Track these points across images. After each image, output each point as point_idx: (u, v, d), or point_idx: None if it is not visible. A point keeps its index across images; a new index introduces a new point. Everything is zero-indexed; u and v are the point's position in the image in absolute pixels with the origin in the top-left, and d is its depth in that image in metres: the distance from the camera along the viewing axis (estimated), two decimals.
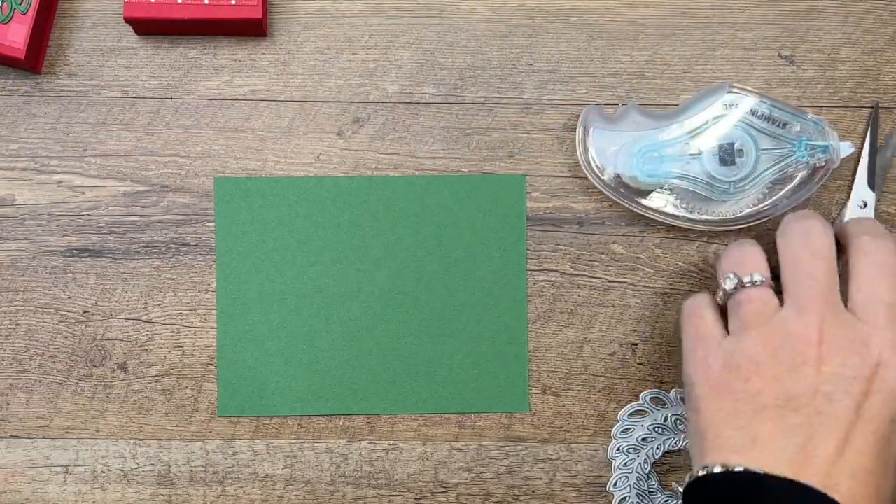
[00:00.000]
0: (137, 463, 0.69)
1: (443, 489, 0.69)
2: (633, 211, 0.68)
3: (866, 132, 0.69)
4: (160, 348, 0.69)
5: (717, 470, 0.56)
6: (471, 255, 0.69)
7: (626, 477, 0.69)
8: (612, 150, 0.66)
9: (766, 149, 0.66)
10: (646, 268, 0.70)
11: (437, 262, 0.69)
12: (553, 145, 0.70)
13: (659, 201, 0.67)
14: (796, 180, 0.67)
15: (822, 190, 0.69)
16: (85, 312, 0.69)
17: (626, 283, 0.70)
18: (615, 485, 0.69)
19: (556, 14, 0.70)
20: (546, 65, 0.70)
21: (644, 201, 0.67)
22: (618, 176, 0.67)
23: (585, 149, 0.67)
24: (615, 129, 0.67)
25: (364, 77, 0.70)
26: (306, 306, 0.69)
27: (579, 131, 0.67)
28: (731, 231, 0.69)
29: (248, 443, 0.69)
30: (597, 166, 0.67)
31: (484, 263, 0.69)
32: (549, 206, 0.70)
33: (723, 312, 0.61)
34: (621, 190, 0.67)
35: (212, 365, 0.69)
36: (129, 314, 0.69)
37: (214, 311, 0.69)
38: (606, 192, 0.67)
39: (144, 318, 0.69)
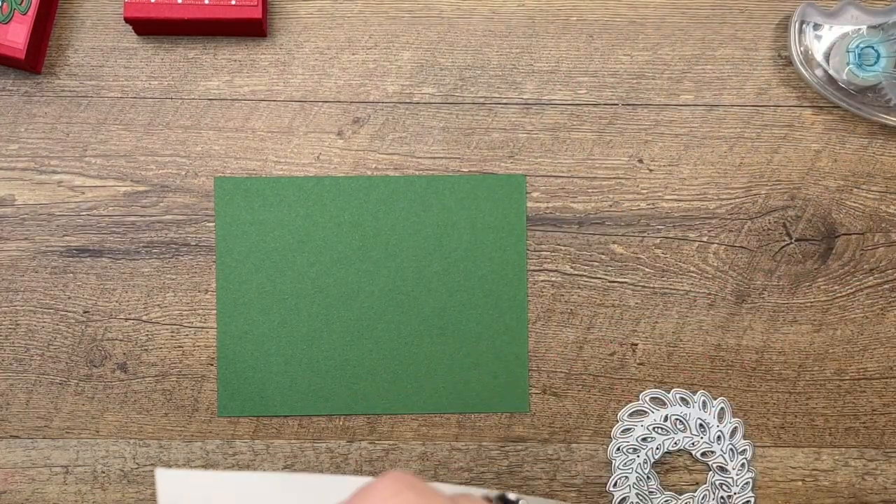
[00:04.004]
0: (137, 463, 0.69)
1: None
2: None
3: None
4: (160, 348, 0.69)
5: None
6: (471, 255, 0.69)
7: (626, 477, 0.69)
8: (826, 47, 0.65)
9: None
10: (646, 268, 0.70)
11: (437, 262, 0.69)
12: (553, 145, 0.70)
13: (874, 99, 0.65)
14: None
15: None
16: (85, 312, 0.69)
17: (626, 283, 0.70)
18: (615, 485, 0.69)
19: (556, 14, 0.70)
20: (546, 65, 0.70)
21: (856, 100, 0.65)
22: (827, 73, 0.65)
23: (800, 44, 0.65)
24: (832, 24, 0.65)
25: (364, 77, 0.70)
26: (306, 306, 0.69)
27: (794, 26, 0.65)
28: None
29: (248, 443, 0.69)
30: (809, 63, 0.65)
31: (484, 263, 0.69)
32: (549, 206, 0.70)
33: None
34: (832, 88, 0.65)
35: (212, 365, 0.69)
36: (129, 314, 0.69)
37: (214, 311, 0.69)
38: (819, 90, 0.65)
39: (144, 318, 0.69)
